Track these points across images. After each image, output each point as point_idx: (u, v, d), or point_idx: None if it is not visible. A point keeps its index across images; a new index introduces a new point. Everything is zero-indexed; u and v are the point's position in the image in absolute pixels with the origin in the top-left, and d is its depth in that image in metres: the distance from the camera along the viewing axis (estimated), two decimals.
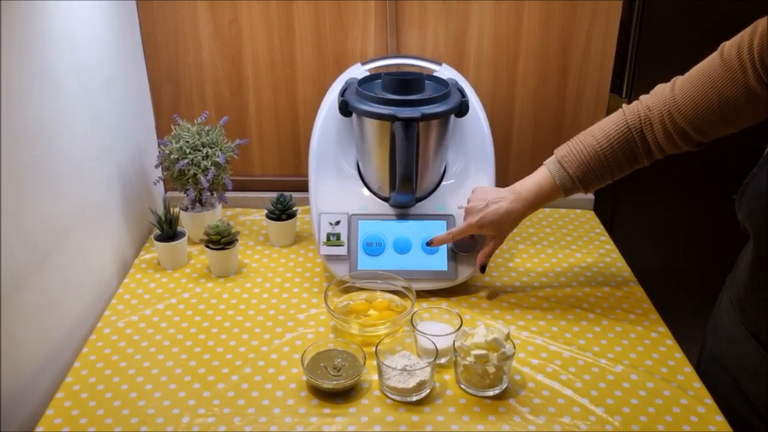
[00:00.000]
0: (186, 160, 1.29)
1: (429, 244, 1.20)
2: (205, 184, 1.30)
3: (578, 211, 1.55)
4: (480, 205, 1.13)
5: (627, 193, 1.68)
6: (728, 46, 0.93)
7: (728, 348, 1.04)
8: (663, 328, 1.14)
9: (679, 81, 0.99)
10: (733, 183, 1.42)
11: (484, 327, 1.02)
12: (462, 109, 1.19)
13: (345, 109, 1.19)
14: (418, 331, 1.05)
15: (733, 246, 1.19)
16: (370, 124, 1.18)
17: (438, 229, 1.23)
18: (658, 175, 1.66)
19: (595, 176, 1.07)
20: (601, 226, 1.49)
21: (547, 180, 1.10)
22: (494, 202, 1.12)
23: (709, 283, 1.72)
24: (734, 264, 1.07)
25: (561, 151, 1.09)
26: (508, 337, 1.01)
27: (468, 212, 1.15)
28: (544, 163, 1.12)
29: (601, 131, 1.06)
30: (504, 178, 1.55)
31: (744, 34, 0.90)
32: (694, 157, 1.60)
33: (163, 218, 1.28)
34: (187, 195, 1.34)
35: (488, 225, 1.13)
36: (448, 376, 1.03)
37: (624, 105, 1.07)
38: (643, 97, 1.05)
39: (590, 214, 1.54)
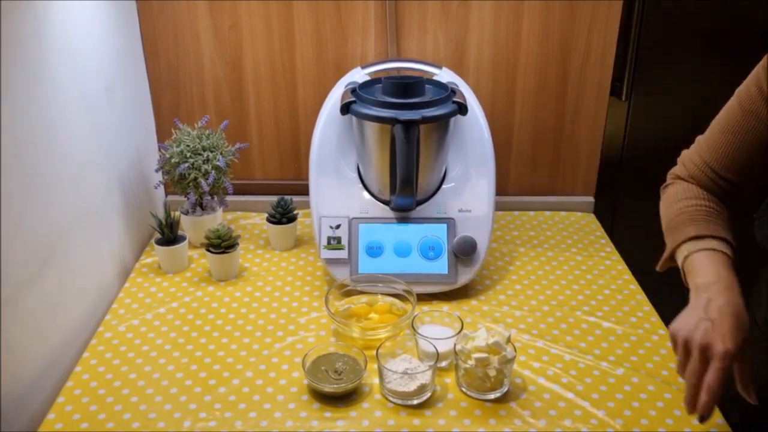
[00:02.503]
0: (186, 164, 1.29)
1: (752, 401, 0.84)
2: (206, 188, 1.30)
3: (578, 214, 1.55)
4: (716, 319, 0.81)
5: (627, 196, 1.68)
6: (743, 90, 0.90)
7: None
8: (663, 331, 1.14)
9: (702, 138, 0.96)
10: None
11: (485, 330, 1.02)
12: (462, 109, 1.19)
13: (346, 109, 1.18)
14: (419, 334, 1.05)
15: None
16: (371, 128, 1.19)
17: (439, 233, 1.23)
18: (657, 177, 1.67)
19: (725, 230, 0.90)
20: (602, 229, 1.49)
21: (718, 257, 0.87)
22: (727, 323, 0.79)
23: None
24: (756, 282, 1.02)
25: (712, 231, 0.90)
26: (508, 340, 1.01)
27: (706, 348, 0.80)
28: (714, 248, 0.89)
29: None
30: (504, 181, 1.56)
31: (757, 72, 0.88)
32: None
33: (163, 222, 1.28)
34: (188, 199, 1.34)
35: (739, 343, 0.78)
36: (449, 379, 1.03)
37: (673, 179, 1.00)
38: (677, 170, 1.00)
39: (590, 217, 1.54)
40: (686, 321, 0.82)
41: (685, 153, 1.00)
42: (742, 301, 0.82)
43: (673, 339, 0.83)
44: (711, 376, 0.77)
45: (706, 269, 0.86)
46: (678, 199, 0.95)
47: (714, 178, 0.94)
